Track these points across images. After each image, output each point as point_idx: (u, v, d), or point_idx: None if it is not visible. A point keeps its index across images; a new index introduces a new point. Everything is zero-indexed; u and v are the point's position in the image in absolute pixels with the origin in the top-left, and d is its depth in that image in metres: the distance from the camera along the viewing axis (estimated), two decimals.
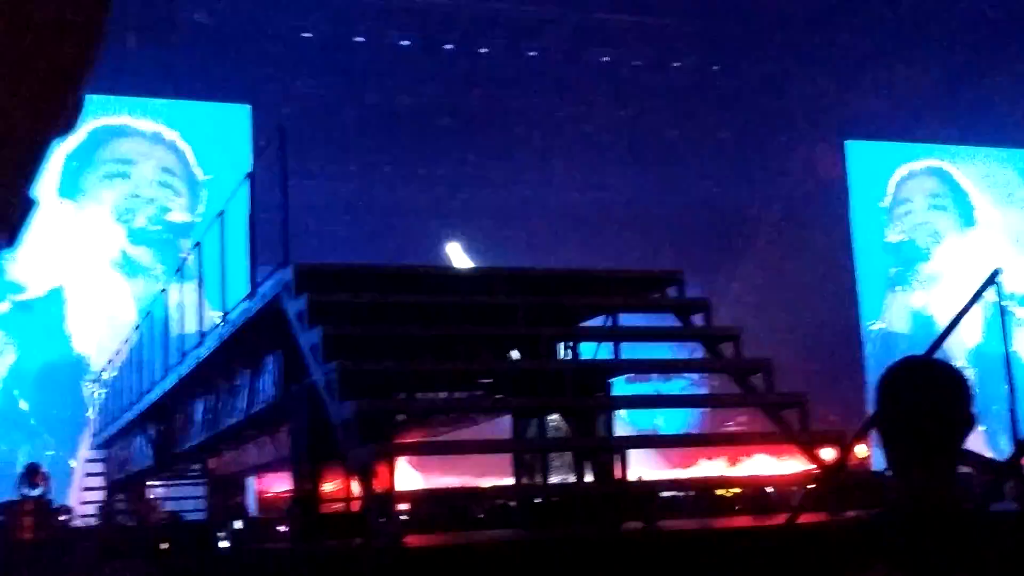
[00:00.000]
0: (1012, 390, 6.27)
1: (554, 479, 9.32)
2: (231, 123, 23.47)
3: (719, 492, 11.72)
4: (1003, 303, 6.32)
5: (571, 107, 26.16)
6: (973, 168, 29.47)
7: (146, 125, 23.72)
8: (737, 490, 11.99)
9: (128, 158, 23.54)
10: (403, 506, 9.71)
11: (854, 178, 28.14)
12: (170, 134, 23.70)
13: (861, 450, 18.54)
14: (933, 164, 29.28)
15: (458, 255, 26.90)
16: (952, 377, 2.37)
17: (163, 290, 14.55)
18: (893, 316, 27.99)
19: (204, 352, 11.22)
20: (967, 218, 29.32)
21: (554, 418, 9.25)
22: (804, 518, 6.21)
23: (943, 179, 29.40)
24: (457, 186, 27.19)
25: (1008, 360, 6.90)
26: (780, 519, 6.48)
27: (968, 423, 2.34)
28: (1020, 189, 29.69)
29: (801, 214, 27.67)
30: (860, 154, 28.35)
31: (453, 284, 9.87)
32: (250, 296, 9.55)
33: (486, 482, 13.75)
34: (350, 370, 7.38)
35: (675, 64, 25.79)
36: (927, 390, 2.34)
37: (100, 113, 22.84)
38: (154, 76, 22.34)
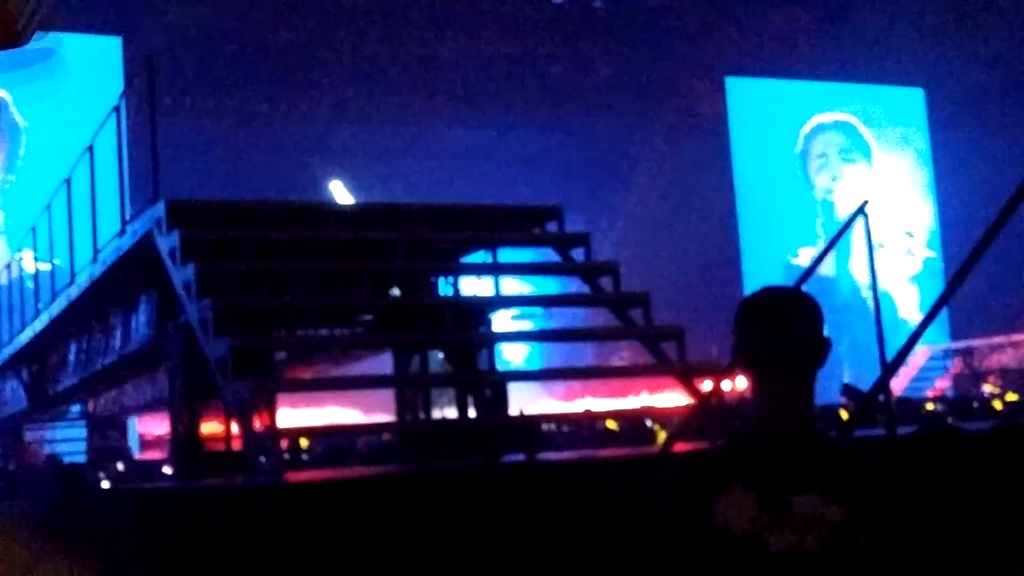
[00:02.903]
0: (879, 319, 6.46)
1: (436, 415, 9.34)
2: (102, 56, 22.72)
3: (599, 425, 11.89)
4: (870, 235, 6.49)
5: (454, 43, 25.95)
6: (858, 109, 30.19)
7: None
8: (615, 423, 12.18)
9: None
10: (284, 444, 9.65)
11: (734, 114, 28.52)
12: None
13: (742, 382, 19.00)
14: (839, 117, 29.92)
15: (341, 193, 26.62)
16: (803, 303, 2.42)
17: (32, 229, 14.14)
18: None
19: (75, 292, 10.95)
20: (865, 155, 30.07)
21: (439, 356, 9.26)
22: (682, 447, 6.34)
23: (848, 131, 30.05)
24: (339, 123, 26.83)
25: (876, 292, 7.10)
26: (656, 449, 6.60)
27: (821, 347, 2.39)
28: (893, 127, 30.43)
29: (682, 149, 27.98)
30: (740, 90, 28.72)
31: (331, 220, 9.74)
32: (120, 233, 9.32)
33: (369, 420, 13.74)
34: (224, 307, 7.27)
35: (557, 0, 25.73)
36: (778, 315, 2.39)
37: None
38: None
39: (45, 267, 13.45)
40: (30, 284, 14.73)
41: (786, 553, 2.27)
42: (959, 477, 4.23)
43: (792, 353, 2.38)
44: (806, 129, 29.79)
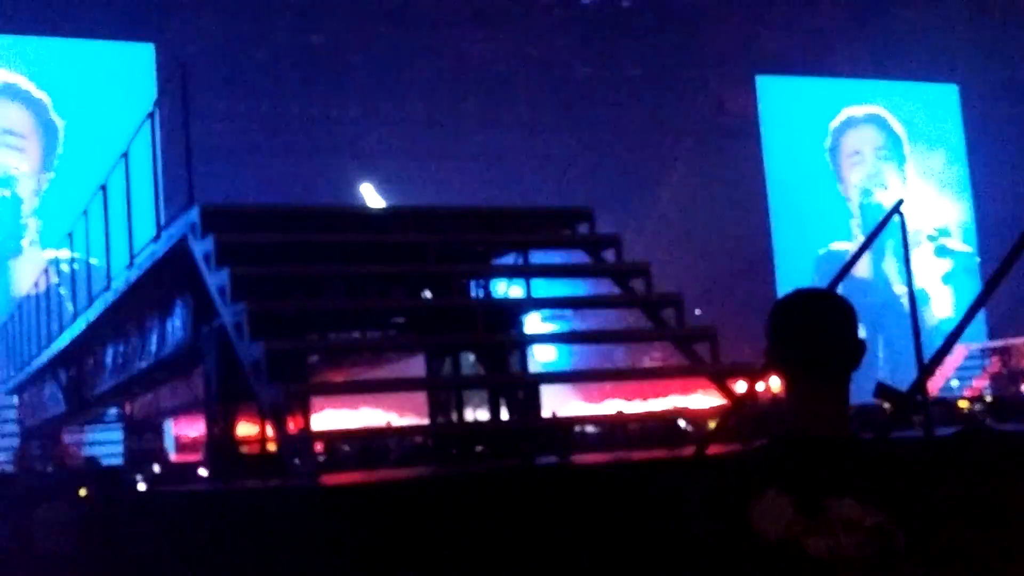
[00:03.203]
0: (915, 320, 6.40)
1: (469, 417, 9.35)
2: (135, 62, 22.92)
3: (632, 427, 11.86)
4: (906, 234, 6.45)
5: (483, 44, 25.99)
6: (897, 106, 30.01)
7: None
8: (650, 425, 12.15)
9: None
10: (320, 447, 9.70)
11: (765, 112, 28.40)
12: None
13: (776, 384, 18.89)
14: (870, 111, 29.74)
15: (372, 195, 26.69)
16: (837, 305, 2.42)
17: (69, 234, 14.27)
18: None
19: (112, 296, 11.04)
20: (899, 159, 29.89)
21: (470, 358, 9.28)
22: (715, 449, 6.32)
23: (881, 126, 29.86)
24: (369, 126, 26.91)
25: (912, 291, 7.03)
26: (690, 451, 6.58)
27: (856, 350, 2.38)
28: (926, 123, 30.19)
29: (713, 149, 27.88)
30: (771, 89, 28.60)
31: (363, 223, 9.78)
32: (156, 238, 9.38)
33: (402, 423, 13.76)
34: (258, 310, 7.31)
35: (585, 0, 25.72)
36: (813, 318, 2.39)
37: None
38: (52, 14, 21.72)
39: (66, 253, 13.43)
40: (64, 291, 14.89)
41: (823, 557, 2.27)
42: (998, 480, 4.19)
43: (826, 356, 2.37)
44: (835, 123, 29.61)
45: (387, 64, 25.48)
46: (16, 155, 23.00)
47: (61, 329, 14.43)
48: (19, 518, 11.48)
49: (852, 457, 2.36)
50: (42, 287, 17.05)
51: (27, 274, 21.85)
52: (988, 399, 19.24)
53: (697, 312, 24.80)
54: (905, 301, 25.54)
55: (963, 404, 15.33)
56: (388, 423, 16.16)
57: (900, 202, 6.61)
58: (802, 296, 2.47)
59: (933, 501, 2.31)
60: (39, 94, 23.08)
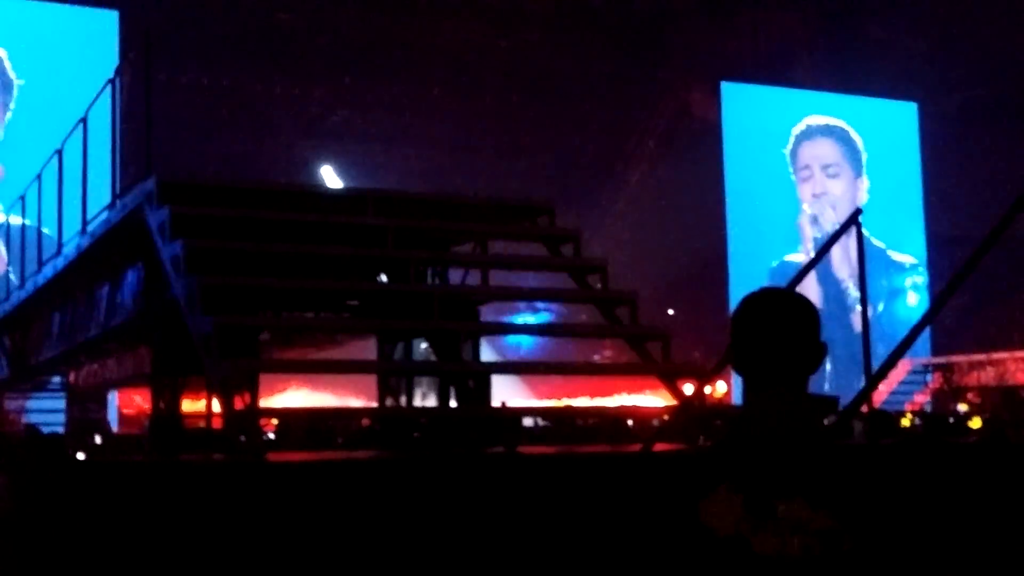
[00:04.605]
0: (866, 327, 6.46)
1: (417, 404, 9.33)
2: (99, 29, 22.61)
3: (578, 422, 11.89)
4: (862, 243, 6.51)
5: (450, 33, 25.92)
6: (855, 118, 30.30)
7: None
8: (596, 421, 12.17)
9: None
10: (270, 426, 9.64)
11: (728, 119, 28.55)
12: None
13: (721, 387, 19.03)
14: (830, 122, 30.00)
15: (332, 178, 26.55)
16: (801, 306, 2.42)
17: (21, 197, 14.07)
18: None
19: (62, 262, 10.90)
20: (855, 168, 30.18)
21: (422, 346, 9.26)
22: (662, 447, 6.35)
23: (839, 138, 30.14)
24: (332, 108, 26.76)
25: (864, 301, 7.11)
26: (637, 447, 6.61)
27: (816, 352, 2.39)
28: (885, 139, 30.48)
29: (675, 151, 28.00)
30: (735, 95, 28.75)
31: (322, 203, 9.72)
32: (111, 206, 9.27)
33: (351, 405, 13.72)
34: (211, 284, 7.24)
35: None
36: (776, 318, 2.38)
37: None
38: None
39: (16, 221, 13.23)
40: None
41: (770, 556, 2.28)
42: (943, 486, 4.24)
43: (785, 357, 2.37)
44: (798, 129, 29.83)
45: (354, 47, 25.34)
46: None
47: (8, 293, 14.23)
48: None
49: (804, 460, 2.37)
50: None
51: None
52: (927, 413, 19.46)
53: (670, 312, 24.98)
54: (854, 311, 25.73)
55: (904, 421, 15.47)
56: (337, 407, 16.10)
57: (858, 211, 6.68)
58: (765, 296, 2.47)
59: (880, 506, 2.33)
60: None
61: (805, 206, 29.63)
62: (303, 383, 19.96)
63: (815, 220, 29.40)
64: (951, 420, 16.63)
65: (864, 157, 30.34)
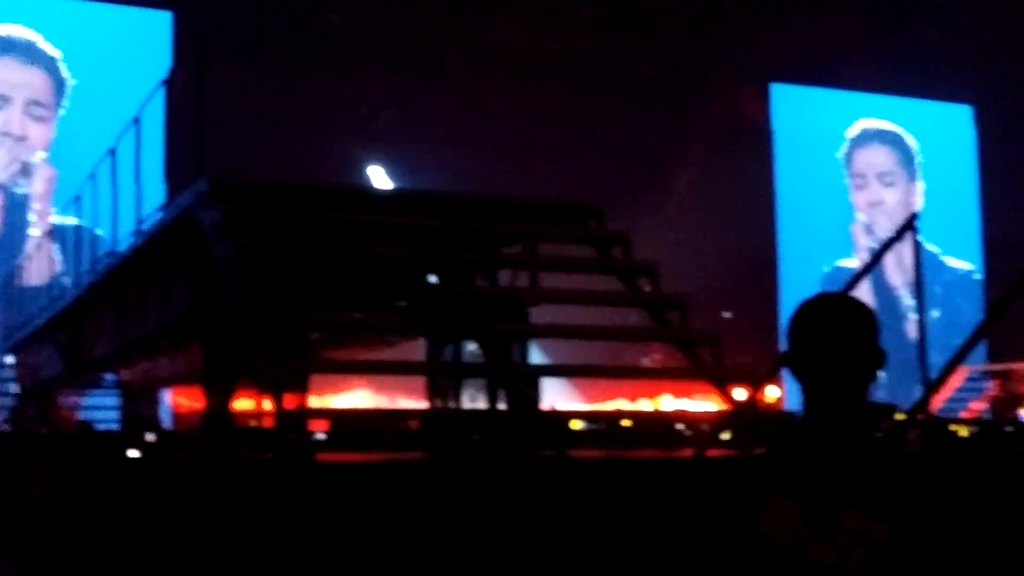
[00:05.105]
0: (923, 336, 6.38)
1: (466, 406, 9.32)
2: (152, 30, 22.87)
3: (628, 426, 11.81)
4: (919, 249, 6.43)
5: (500, 35, 25.93)
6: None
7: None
8: (646, 425, 12.10)
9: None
10: (320, 427, 9.67)
11: (778, 121, 28.37)
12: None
13: (773, 393, 18.86)
14: (884, 126, 29.75)
15: (381, 179, 26.63)
16: (860, 312, 2.38)
17: (77, 197, 14.25)
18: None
19: (116, 260, 11.02)
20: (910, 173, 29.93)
21: (471, 347, 9.25)
22: (714, 453, 6.30)
23: (894, 144, 29.89)
24: (382, 109, 26.84)
25: (921, 307, 7.01)
26: (688, 453, 6.56)
27: (876, 359, 2.36)
28: (939, 143, 30.14)
29: (725, 154, 27.82)
30: (785, 97, 28.56)
31: (372, 204, 9.76)
32: (164, 206, 9.36)
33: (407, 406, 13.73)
34: (263, 284, 7.28)
35: None
36: (835, 324, 2.35)
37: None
38: None
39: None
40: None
41: (828, 566, 2.25)
42: (1001, 496, 4.18)
43: (845, 363, 2.34)
44: (851, 132, 29.59)
45: (404, 48, 25.42)
46: (41, 126, 22.95)
47: (62, 290, 14.39)
48: (10, 478, 11.48)
49: (863, 469, 2.33)
50: (45, 247, 17.05)
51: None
52: (983, 421, 19.16)
53: (727, 315, 24.82)
54: (909, 319, 25.42)
55: (961, 430, 15.25)
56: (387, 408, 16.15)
57: (914, 216, 6.60)
58: (825, 300, 2.44)
59: (939, 516, 2.29)
60: (54, 52, 23.01)
61: (859, 215, 29.37)
62: (368, 384, 20.09)
63: (869, 229, 29.14)
64: (1009, 428, 16.37)
65: (919, 161, 30.04)
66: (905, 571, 2.24)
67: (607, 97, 27.04)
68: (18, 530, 9.98)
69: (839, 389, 2.35)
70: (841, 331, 2.34)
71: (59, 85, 22.93)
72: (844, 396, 2.35)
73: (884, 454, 2.41)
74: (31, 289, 17.81)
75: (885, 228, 28.11)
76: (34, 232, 21.16)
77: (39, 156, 22.54)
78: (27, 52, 22.74)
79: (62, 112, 22.83)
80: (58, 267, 17.63)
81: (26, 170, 22.35)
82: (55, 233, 17.40)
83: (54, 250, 17.13)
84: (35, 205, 22.24)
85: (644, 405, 22.00)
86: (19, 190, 22.29)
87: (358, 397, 19.99)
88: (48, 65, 22.83)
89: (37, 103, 22.81)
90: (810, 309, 2.41)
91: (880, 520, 2.25)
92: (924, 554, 2.25)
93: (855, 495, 2.28)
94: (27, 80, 22.66)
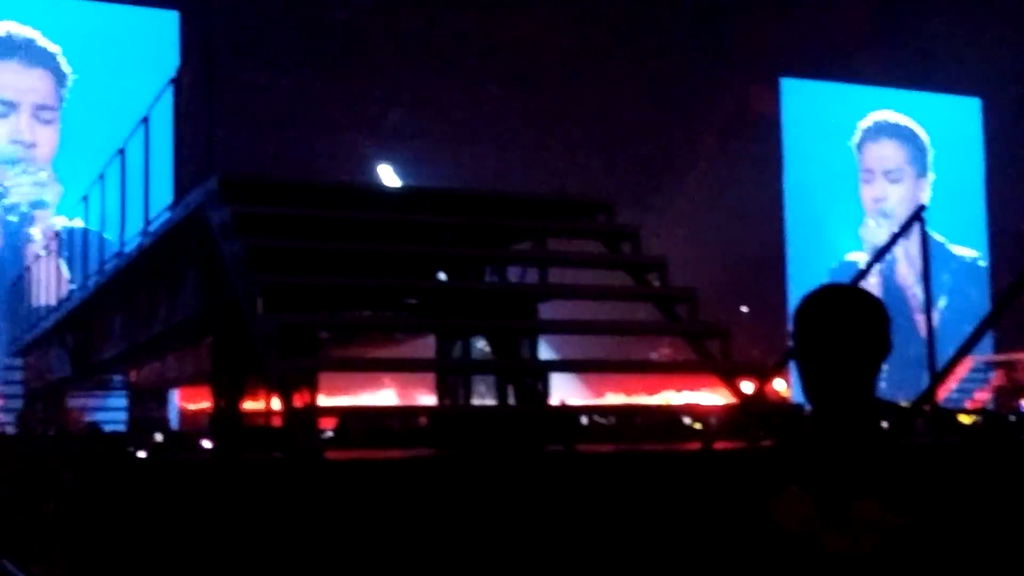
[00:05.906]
0: (930, 325, 6.36)
1: (476, 402, 9.32)
2: (158, 29, 22.89)
3: (637, 420, 11.81)
4: (927, 241, 6.40)
5: (508, 31, 25.91)
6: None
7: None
8: (654, 419, 12.09)
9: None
10: (327, 425, 9.68)
11: (788, 115, 28.32)
12: None
13: (781, 386, 18.85)
14: (894, 119, 29.66)
15: (390, 177, 26.63)
16: (869, 303, 2.37)
17: (84, 198, 14.26)
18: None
19: (124, 261, 11.02)
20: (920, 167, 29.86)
21: (480, 343, 9.24)
22: (722, 446, 6.30)
23: (904, 137, 29.81)
24: (390, 106, 26.85)
25: (928, 299, 6.99)
26: (697, 446, 6.55)
27: (884, 350, 2.34)
28: (947, 136, 30.06)
29: (734, 148, 27.79)
30: (795, 91, 28.50)
31: (381, 202, 9.75)
32: (173, 205, 9.36)
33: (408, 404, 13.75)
34: (272, 283, 7.28)
35: None
36: (842, 315, 2.34)
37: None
38: None
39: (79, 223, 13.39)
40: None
41: (840, 555, 2.24)
42: (1007, 485, 4.17)
43: (853, 356, 2.33)
44: (864, 123, 29.49)
45: (412, 45, 25.42)
46: (48, 129, 22.99)
47: (70, 292, 14.40)
48: (19, 480, 11.50)
49: (875, 459, 2.32)
50: (53, 248, 17.07)
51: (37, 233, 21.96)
52: (988, 412, 19.11)
53: (744, 309, 24.78)
54: (918, 310, 25.36)
55: (966, 419, 15.20)
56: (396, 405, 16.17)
57: (922, 207, 6.58)
58: (831, 291, 2.42)
59: (949, 505, 2.29)
60: (54, 49, 23.03)
61: (867, 209, 29.33)
62: (393, 382, 20.15)
63: (874, 225, 29.11)
64: (1013, 418, 16.34)
65: (930, 154, 29.96)
66: (918, 560, 2.23)
67: (616, 93, 27.02)
68: (27, 531, 10.00)
69: (847, 382, 2.33)
70: (849, 323, 2.33)
71: (62, 84, 22.97)
72: (851, 387, 2.34)
73: (894, 444, 2.40)
74: (37, 296, 17.85)
75: (890, 224, 28.09)
76: (38, 239, 21.25)
77: (44, 175, 22.64)
78: (29, 53, 22.77)
79: (63, 104, 22.83)
80: (65, 273, 17.66)
81: (37, 187, 22.48)
82: (61, 238, 17.41)
83: (61, 264, 17.15)
84: (41, 216, 22.36)
85: (653, 399, 22.00)
86: (28, 210, 22.50)
87: (385, 395, 20.09)
88: (50, 65, 22.86)
89: (43, 107, 22.85)
90: (817, 301, 2.39)
91: (891, 508, 2.24)
92: (937, 543, 2.24)
93: (868, 485, 2.27)
94: (31, 84, 22.70)
